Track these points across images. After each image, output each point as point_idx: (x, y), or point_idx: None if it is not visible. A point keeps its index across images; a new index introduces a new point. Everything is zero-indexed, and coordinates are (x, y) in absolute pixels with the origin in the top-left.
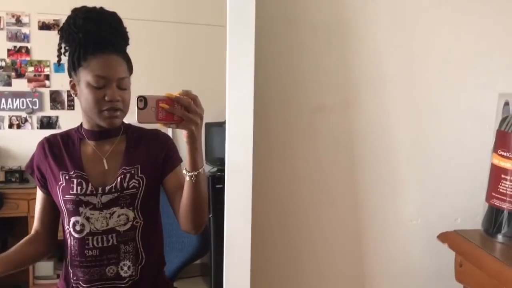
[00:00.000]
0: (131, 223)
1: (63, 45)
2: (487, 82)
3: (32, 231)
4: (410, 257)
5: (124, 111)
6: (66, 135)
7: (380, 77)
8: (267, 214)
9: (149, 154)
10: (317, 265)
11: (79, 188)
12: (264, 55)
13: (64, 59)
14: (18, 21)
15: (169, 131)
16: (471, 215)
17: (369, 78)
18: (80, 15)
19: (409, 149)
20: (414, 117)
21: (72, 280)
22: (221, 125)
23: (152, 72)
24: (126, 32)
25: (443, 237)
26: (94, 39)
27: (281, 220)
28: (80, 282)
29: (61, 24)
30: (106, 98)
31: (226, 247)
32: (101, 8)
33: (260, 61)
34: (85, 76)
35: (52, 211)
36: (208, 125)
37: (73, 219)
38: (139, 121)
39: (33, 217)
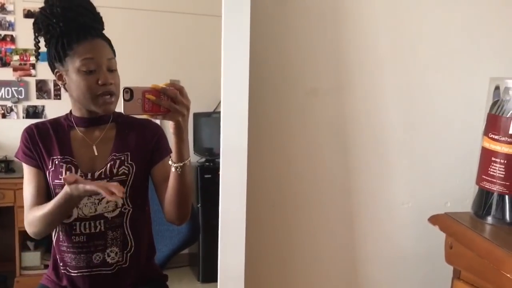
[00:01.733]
0: (119, 209)
1: (41, 38)
2: (478, 66)
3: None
4: (401, 239)
5: (117, 95)
6: (55, 122)
7: (373, 61)
8: (260, 196)
9: (139, 142)
10: (310, 247)
11: (67, 173)
12: (259, 37)
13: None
14: (3, 9)
15: (157, 121)
16: (460, 198)
17: (362, 62)
18: (56, 3)
19: (401, 133)
20: (406, 101)
21: (60, 266)
22: (209, 115)
23: (141, 62)
24: (100, 16)
25: (434, 219)
26: (76, 27)
27: (274, 201)
28: (68, 268)
29: None
30: (100, 82)
31: (221, 229)
32: None
33: (255, 44)
34: (73, 64)
35: (48, 189)
36: (197, 115)
37: None
38: (125, 113)
39: (20, 207)
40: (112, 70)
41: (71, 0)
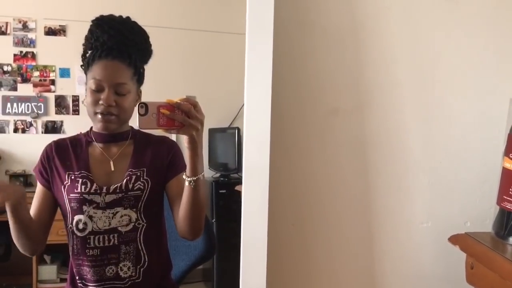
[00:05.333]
0: (133, 224)
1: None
2: (498, 86)
3: None
4: (421, 259)
5: (121, 117)
6: (75, 138)
7: (393, 81)
8: (282, 214)
9: (155, 159)
10: (330, 266)
11: (83, 187)
12: (280, 58)
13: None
14: (25, 27)
15: (173, 137)
16: (480, 218)
17: (382, 82)
18: (94, 21)
19: (420, 153)
20: (426, 121)
21: (77, 280)
22: (224, 130)
23: (158, 78)
24: (142, 42)
25: (455, 239)
26: (102, 45)
27: (295, 221)
28: (84, 282)
29: (67, 30)
30: (100, 102)
31: (243, 246)
32: (120, 17)
33: (276, 65)
34: (89, 80)
35: (50, 209)
36: (212, 131)
37: (76, 218)
38: (140, 127)
39: None
40: (121, 94)
41: (107, 21)
